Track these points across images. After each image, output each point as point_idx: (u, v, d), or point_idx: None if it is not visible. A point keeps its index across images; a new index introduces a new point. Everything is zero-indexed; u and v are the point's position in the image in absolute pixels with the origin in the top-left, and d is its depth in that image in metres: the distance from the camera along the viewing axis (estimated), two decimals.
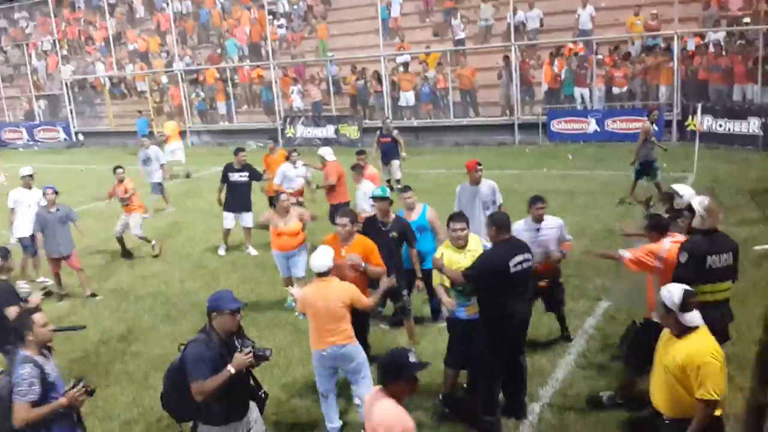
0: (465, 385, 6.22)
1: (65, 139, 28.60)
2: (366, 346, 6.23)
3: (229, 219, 11.23)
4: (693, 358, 3.98)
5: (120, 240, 11.59)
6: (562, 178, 14.73)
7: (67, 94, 28.76)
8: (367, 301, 5.68)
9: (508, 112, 20.37)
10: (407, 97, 21.83)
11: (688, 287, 4.18)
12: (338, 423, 5.79)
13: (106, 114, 28.17)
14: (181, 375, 4.30)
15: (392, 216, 7.21)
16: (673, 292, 4.13)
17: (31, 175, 10.51)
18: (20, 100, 31.71)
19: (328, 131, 22.91)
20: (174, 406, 4.49)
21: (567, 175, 14.93)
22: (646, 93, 18.79)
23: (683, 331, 4.10)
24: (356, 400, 5.83)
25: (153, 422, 6.22)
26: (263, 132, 24.07)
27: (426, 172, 16.17)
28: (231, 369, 4.26)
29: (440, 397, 6.06)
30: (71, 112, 28.77)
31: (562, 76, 19.48)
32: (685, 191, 6.30)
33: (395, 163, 14.59)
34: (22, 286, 7.69)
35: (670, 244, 5.45)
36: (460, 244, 5.80)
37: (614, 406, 5.77)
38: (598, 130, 18.62)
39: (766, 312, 7.24)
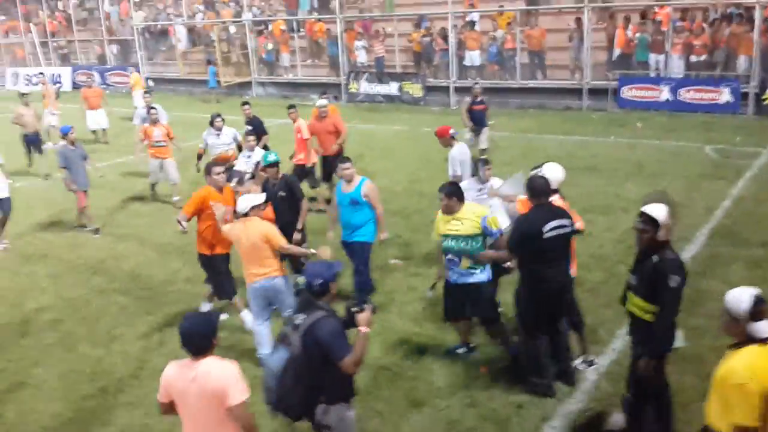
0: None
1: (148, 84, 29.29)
2: None
3: None
4: (733, 374, 3.45)
5: (153, 187, 12.12)
6: (630, 147, 14.39)
7: (138, 39, 29.33)
8: (281, 242, 6.25)
9: (577, 75, 19.89)
10: (473, 57, 21.44)
11: (757, 292, 3.59)
12: (268, 349, 6.15)
13: (176, 61, 28.63)
14: (307, 363, 4.08)
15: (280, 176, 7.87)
16: (741, 298, 3.56)
17: None
18: (92, 44, 32.46)
19: (392, 88, 22.81)
20: (299, 402, 4.17)
21: (635, 144, 14.58)
22: (726, 63, 18.01)
23: (746, 342, 3.56)
24: None
25: None
26: (327, 86, 24.17)
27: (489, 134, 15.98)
28: (365, 329, 4.12)
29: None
30: (141, 58, 29.36)
31: (636, 41, 18.85)
32: None
33: (486, 131, 13.44)
34: None
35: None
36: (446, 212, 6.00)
37: None
38: (671, 99, 17.98)
39: None
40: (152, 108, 12.62)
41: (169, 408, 3.94)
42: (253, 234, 6.21)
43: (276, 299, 6.38)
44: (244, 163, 9.88)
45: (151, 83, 28.79)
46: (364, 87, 23.34)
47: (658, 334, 4.67)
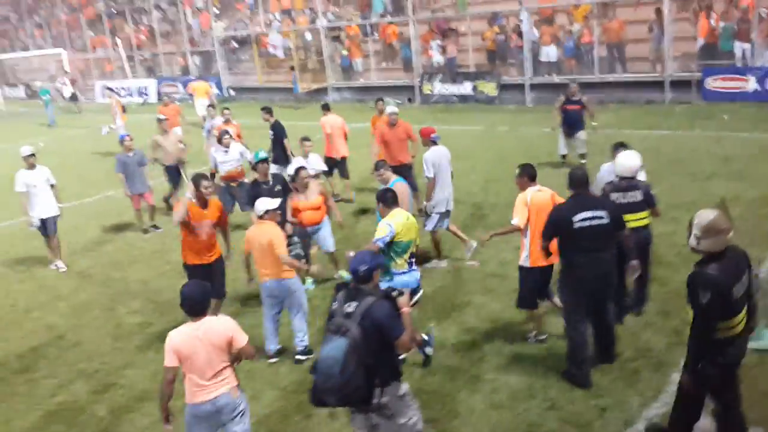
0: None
1: (217, 95, 30.23)
2: None
3: None
4: None
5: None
6: (716, 140, 13.83)
7: (219, 50, 30.29)
8: (281, 251, 6.47)
9: (658, 67, 19.26)
10: (549, 52, 21.11)
11: None
12: (275, 346, 6.85)
13: (255, 70, 29.40)
14: (365, 346, 4.20)
15: (270, 175, 8.51)
16: None
17: (33, 155, 10.09)
18: (176, 55, 33.74)
19: (466, 88, 22.72)
20: (362, 385, 4.24)
21: (721, 138, 13.99)
22: None
23: None
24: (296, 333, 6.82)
25: None
26: (400, 89, 24.35)
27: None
28: (407, 309, 4.76)
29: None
30: (222, 68, 30.29)
31: (720, 30, 18.08)
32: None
33: (582, 135, 12.58)
34: None
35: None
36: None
37: None
38: (759, 89, 17.16)
39: None
40: (226, 109, 13.57)
41: (174, 373, 4.55)
42: (262, 237, 6.52)
43: (287, 299, 6.73)
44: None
45: (232, 92, 29.77)
46: (438, 88, 23.33)
47: (689, 348, 4.49)
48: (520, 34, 21.40)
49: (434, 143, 8.86)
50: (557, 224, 5.77)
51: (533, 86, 21.18)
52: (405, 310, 4.61)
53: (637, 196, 6.56)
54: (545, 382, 6.04)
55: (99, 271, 10.30)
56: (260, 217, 6.64)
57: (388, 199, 6.42)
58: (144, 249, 11.06)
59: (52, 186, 10.20)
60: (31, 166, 10.03)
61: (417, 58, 23.95)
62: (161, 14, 35.03)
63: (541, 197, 6.44)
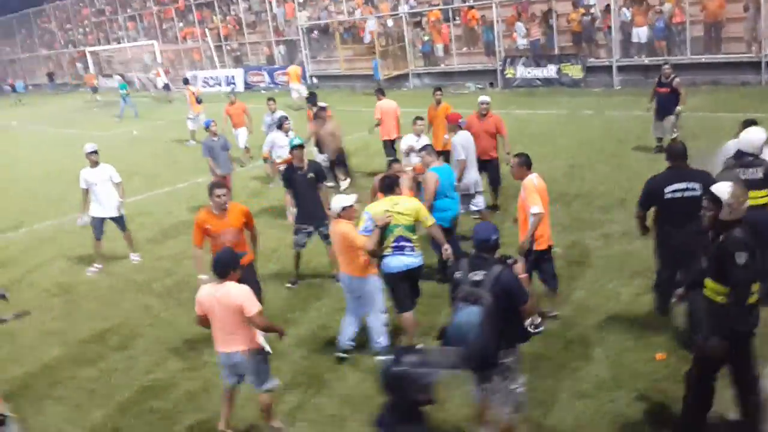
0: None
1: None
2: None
3: None
4: None
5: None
6: None
7: (303, 39, 30.78)
8: (359, 241, 6.32)
9: (754, 48, 18.26)
10: (639, 33, 20.37)
11: None
12: (349, 342, 6.68)
13: (338, 58, 29.73)
14: (496, 312, 4.42)
15: (306, 161, 8.50)
16: None
17: (95, 152, 9.92)
18: (261, 45, 34.51)
19: (549, 71, 22.25)
20: (495, 349, 4.54)
21: None
22: None
23: None
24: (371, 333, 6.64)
25: None
26: (482, 74, 24.10)
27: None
28: (525, 275, 5.16)
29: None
30: (306, 57, 30.78)
31: None
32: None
33: (670, 119, 12.11)
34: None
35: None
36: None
37: None
38: None
39: None
40: (270, 99, 14.13)
41: (204, 320, 5.39)
42: (336, 234, 6.54)
43: (362, 296, 6.56)
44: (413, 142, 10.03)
45: (315, 80, 30.17)
46: (521, 71, 22.94)
47: (731, 315, 4.44)
48: (607, 14, 20.74)
49: (460, 128, 9.47)
50: (649, 194, 6.00)
51: (621, 68, 20.54)
52: (523, 275, 4.90)
53: (758, 173, 6.21)
54: (635, 373, 5.90)
55: (191, 254, 10.61)
56: (338, 216, 6.51)
57: (384, 187, 6.62)
58: None
59: (117, 184, 10.01)
60: (94, 164, 9.86)
61: (499, 41, 23.60)
62: (247, 5, 35.86)
63: (541, 182, 6.65)
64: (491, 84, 23.62)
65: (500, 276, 4.52)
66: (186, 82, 21.96)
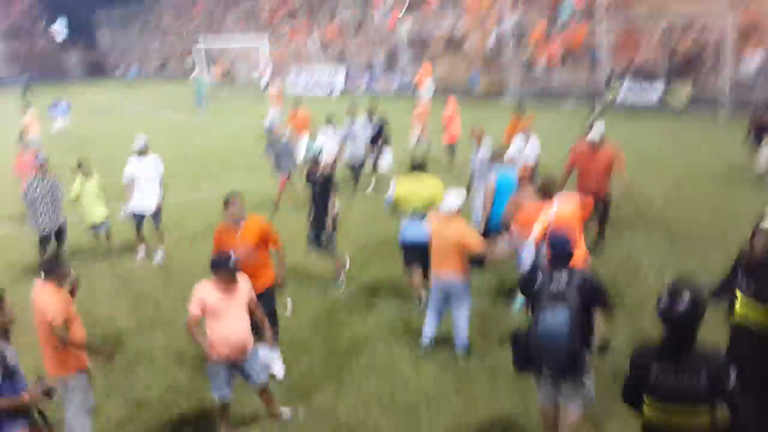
0: None
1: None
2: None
3: None
4: None
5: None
6: None
7: (403, 46, 31.30)
8: (476, 244, 6.34)
9: None
10: (751, 61, 19.68)
11: None
12: (429, 338, 6.82)
13: (437, 68, 29.95)
14: (580, 314, 4.53)
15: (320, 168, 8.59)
16: None
17: (144, 145, 9.81)
18: (363, 49, 35.22)
19: (654, 94, 21.76)
20: (580, 348, 4.60)
21: None
22: None
23: None
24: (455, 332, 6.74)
25: None
26: (582, 93, 23.76)
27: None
28: None
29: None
30: (406, 64, 31.32)
31: None
32: None
33: (764, 150, 11.51)
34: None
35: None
36: None
37: None
38: None
39: None
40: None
41: (197, 320, 5.28)
42: (447, 233, 6.43)
43: (453, 298, 6.64)
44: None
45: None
46: (624, 93, 22.53)
47: None
48: (718, 40, 20.14)
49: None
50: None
51: (730, 96, 19.90)
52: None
53: None
54: None
55: None
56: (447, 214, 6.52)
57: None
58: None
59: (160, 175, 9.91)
60: (141, 155, 9.73)
61: (604, 61, 23.25)
62: (352, 11, 36.73)
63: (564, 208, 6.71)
64: (592, 105, 23.26)
65: (586, 279, 4.64)
66: (267, 84, 22.56)
